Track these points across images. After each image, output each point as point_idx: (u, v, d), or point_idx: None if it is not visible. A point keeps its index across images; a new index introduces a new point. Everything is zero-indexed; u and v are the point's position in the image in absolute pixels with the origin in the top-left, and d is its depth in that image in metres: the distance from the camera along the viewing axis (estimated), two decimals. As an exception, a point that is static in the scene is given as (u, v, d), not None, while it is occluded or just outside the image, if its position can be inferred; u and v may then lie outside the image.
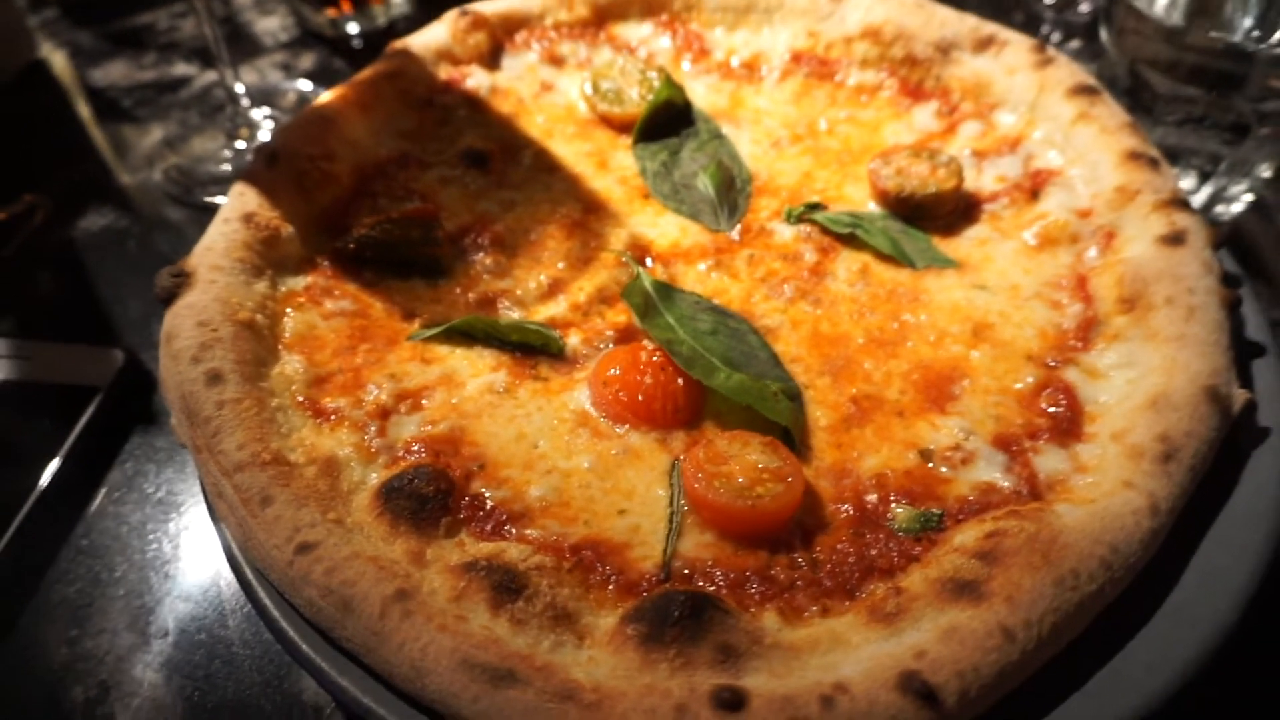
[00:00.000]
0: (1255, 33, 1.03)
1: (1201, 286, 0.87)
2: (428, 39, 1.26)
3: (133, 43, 1.64)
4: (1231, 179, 1.16)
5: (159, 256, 1.26)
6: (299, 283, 0.97)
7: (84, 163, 1.42)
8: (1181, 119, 1.11)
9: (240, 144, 1.39)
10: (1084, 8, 1.61)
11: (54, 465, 0.96)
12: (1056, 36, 1.63)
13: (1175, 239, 0.91)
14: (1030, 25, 1.63)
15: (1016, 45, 1.16)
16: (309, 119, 1.10)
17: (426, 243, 1.01)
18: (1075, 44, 1.56)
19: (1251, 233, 1.21)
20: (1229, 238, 0.98)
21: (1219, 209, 1.20)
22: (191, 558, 0.94)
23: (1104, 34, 1.16)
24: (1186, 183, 1.18)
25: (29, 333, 1.16)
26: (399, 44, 1.24)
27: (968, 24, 1.20)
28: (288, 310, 0.94)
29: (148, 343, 1.15)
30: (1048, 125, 1.10)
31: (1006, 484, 0.79)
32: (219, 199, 1.32)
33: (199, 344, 0.84)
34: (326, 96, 1.14)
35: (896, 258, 1.00)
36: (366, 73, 1.19)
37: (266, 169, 1.03)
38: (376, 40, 1.61)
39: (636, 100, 1.19)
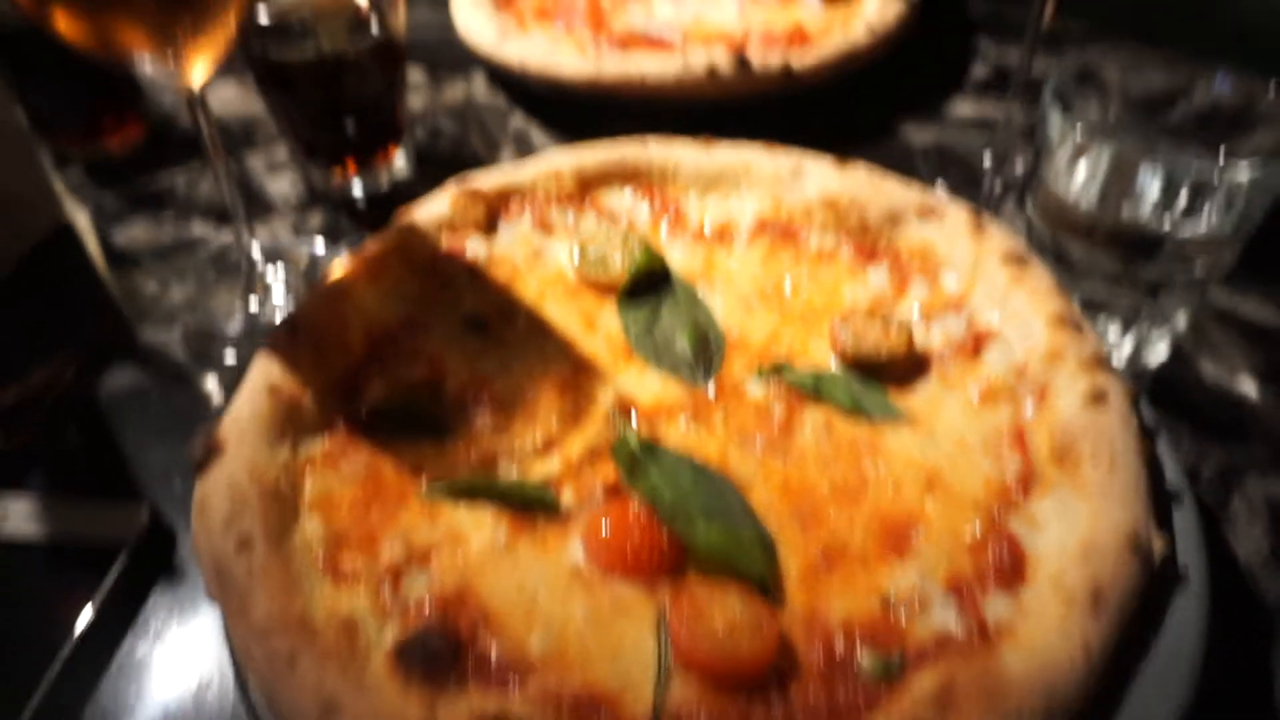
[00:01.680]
0: (1163, 211, 1.18)
1: (1121, 442, 0.99)
2: (430, 211, 1.39)
3: (152, 204, 1.77)
4: (1152, 329, 1.29)
5: (179, 413, 1.35)
6: (317, 448, 1.07)
7: (107, 321, 1.52)
8: (1104, 278, 1.26)
9: (254, 304, 1.50)
10: (1018, 169, 1.78)
11: (83, 621, 1.03)
12: (998, 188, 1.80)
13: (1097, 397, 1.03)
14: (970, 180, 1.79)
15: (955, 215, 1.31)
16: (325, 292, 1.22)
17: (432, 405, 1.12)
18: (1013, 200, 1.73)
19: (1173, 379, 1.34)
20: (1144, 394, 1.10)
21: (1145, 354, 1.34)
22: (214, 707, 1.00)
23: (1028, 205, 1.31)
24: (1112, 333, 1.31)
25: (57, 486, 1.24)
26: (405, 218, 1.38)
27: (913, 195, 1.35)
28: (307, 474, 1.04)
29: (169, 495, 1.23)
30: (986, 287, 1.24)
31: (959, 629, 0.88)
32: (233, 359, 1.43)
33: (230, 512, 0.94)
34: (339, 269, 1.26)
35: (856, 412, 1.12)
36: (375, 245, 1.32)
37: (288, 341, 1.14)
38: (380, 200, 1.76)
39: (620, 266, 1.32)
